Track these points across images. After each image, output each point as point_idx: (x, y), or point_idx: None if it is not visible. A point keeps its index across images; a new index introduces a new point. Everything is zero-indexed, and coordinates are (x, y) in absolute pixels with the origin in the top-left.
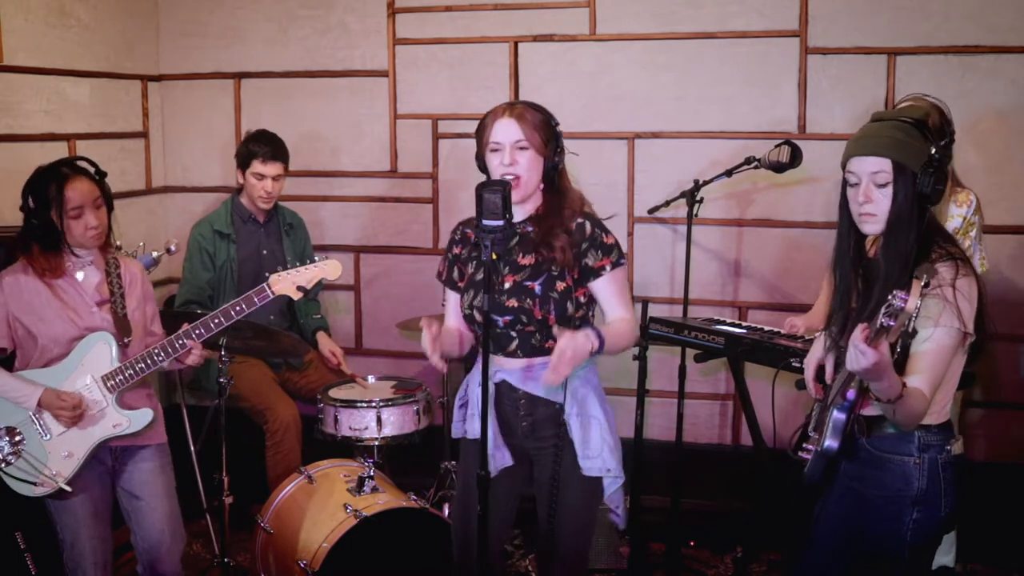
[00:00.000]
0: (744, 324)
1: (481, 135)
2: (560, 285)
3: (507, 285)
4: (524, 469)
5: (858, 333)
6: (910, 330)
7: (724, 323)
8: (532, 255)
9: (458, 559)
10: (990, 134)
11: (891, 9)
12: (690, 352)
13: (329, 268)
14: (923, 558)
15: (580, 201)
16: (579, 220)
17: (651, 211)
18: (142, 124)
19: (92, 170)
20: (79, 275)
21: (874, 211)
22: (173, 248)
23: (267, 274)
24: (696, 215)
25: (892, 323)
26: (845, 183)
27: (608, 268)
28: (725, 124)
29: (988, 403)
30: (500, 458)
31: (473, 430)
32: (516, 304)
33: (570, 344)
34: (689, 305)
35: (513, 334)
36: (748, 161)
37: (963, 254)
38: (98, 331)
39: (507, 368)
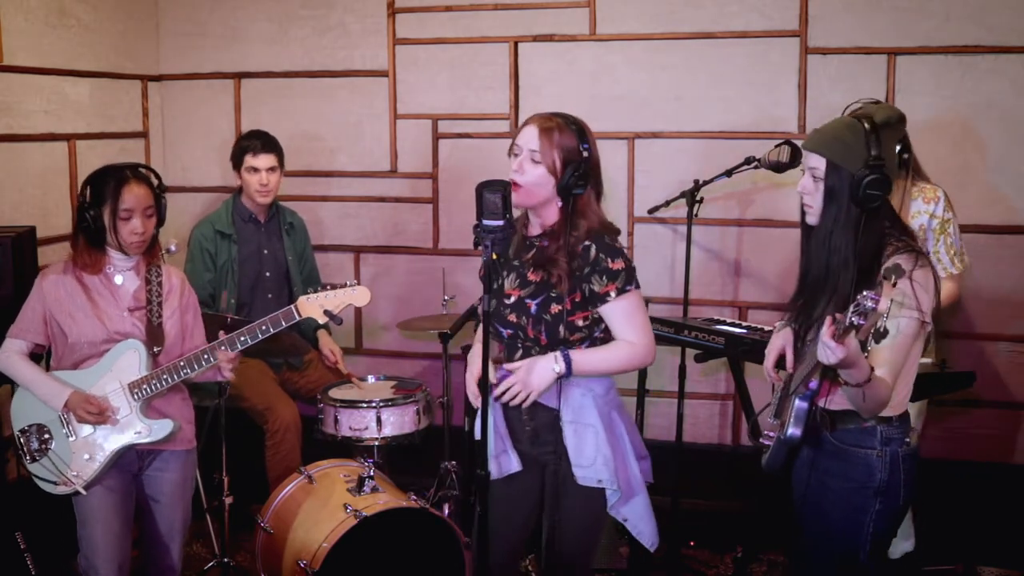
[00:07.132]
0: (744, 324)
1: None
2: (555, 308)
3: (512, 299)
4: (536, 478)
5: (826, 329)
6: (881, 329)
7: (724, 323)
8: (540, 272)
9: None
10: (990, 134)
11: (891, 9)
12: (690, 352)
13: (359, 295)
14: (883, 546)
15: (595, 226)
16: (585, 243)
17: (651, 211)
18: (142, 124)
19: (155, 181)
20: (118, 279)
21: (811, 203)
22: (173, 248)
23: (268, 280)
24: (696, 215)
25: (863, 322)
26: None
27: (613, 295)
28: (725, 124)
29: (988, 403)
30: (506, 463)
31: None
32: (515, 319)
33: (523, 376)
34: (689, 305)
35: (519, 344)
36: (748, 161)
37: (920, 247)
38: (130, 337)
39: None
